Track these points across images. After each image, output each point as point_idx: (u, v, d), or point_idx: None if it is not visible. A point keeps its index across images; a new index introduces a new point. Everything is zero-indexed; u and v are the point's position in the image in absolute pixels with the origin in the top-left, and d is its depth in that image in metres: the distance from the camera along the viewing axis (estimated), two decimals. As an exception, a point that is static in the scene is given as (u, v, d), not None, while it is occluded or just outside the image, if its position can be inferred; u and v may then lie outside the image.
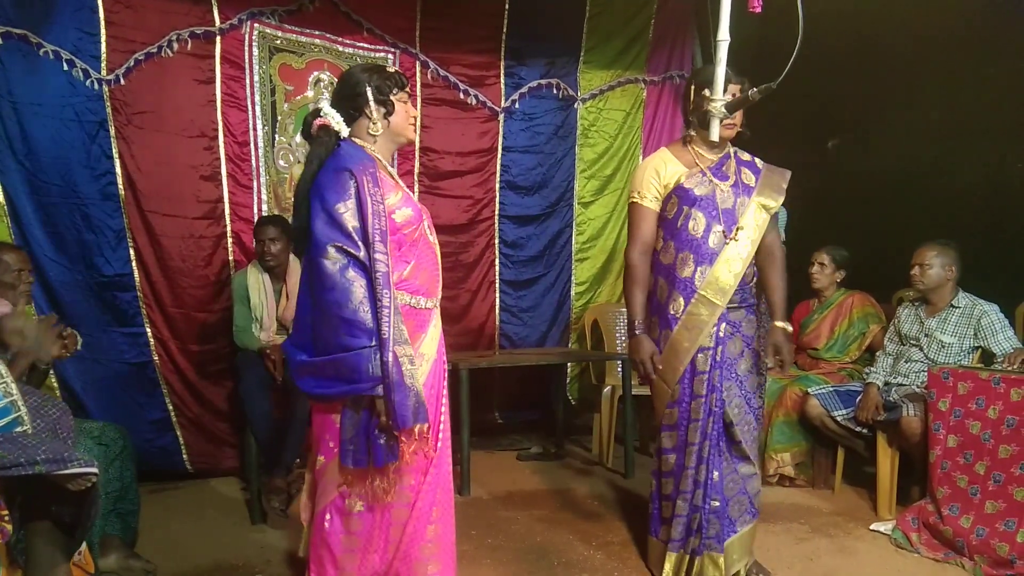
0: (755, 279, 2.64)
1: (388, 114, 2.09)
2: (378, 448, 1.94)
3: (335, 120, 2.05)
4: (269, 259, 3.48)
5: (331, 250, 1.89)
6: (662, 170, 2.56)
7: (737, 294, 2.51)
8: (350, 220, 1.91)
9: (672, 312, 2.51)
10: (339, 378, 1.92)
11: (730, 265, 2.48)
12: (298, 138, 3.90)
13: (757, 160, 2.66)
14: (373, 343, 1.88)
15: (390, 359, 1.88)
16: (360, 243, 1.90)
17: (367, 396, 1.92)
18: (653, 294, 2.62)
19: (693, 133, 2.58)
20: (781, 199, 2.58)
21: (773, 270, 2.64)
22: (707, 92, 2.43)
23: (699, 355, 2.49)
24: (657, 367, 2.51)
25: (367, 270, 1.90)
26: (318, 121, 2.06)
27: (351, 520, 2.04)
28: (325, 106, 2.07)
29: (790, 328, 2.65)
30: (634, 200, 2.61)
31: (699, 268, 2.48)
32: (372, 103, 2.06)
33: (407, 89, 2.14)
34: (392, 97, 2.08)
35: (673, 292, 2.52)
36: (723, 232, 2.49)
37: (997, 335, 3.23)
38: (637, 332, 2.54)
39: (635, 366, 2.57)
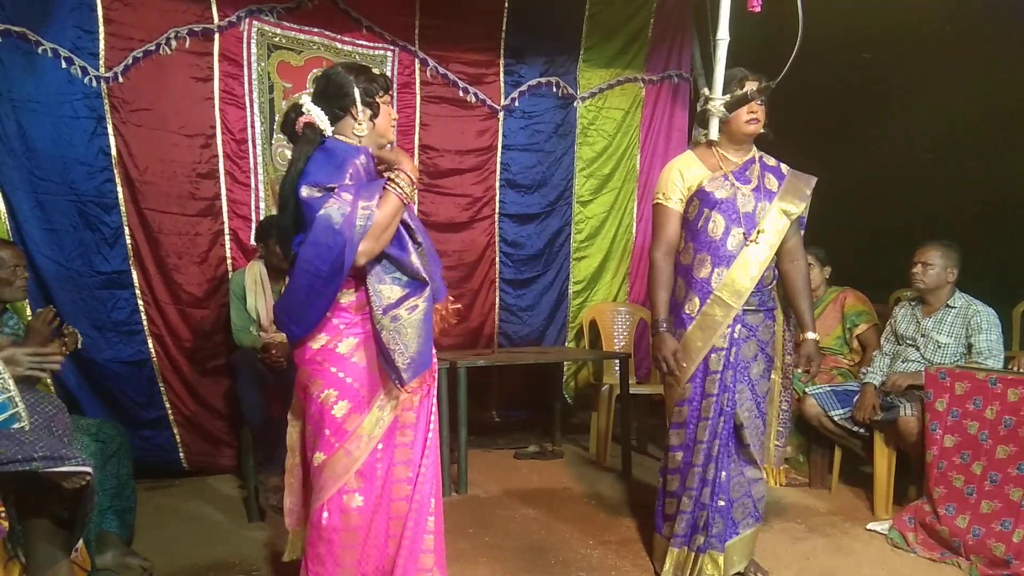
0: (775, 282, 2.64)
1: (374, 116, 2.08)
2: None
3: (319, 118, 2.04)
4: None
5: (324, 199, 1.90)
6: (686, 172, 2.57)
7: (755, 296, 2.51)
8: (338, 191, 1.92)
9: (687, 312, 2.53)
10: (308, 275, 1.91)
11: (747, 268, 2.48)
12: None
13: (783, 165, 2.65)
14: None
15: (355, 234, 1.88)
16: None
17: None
18: (671, 293, 2.63)
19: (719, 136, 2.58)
20: (804, 205, 2.58)
21: (797, 275, 2.65)
22: (706, 91, 2.43)
23: (712, 355, 2.50)
24: (681, 364, 2.51)
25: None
26: (303, 119, 2.05)
27: (350, 515, 2.02)
28: (307, 103, 2.05)
29: (819, 338, 2.65)
30: (659, 202, 2.62)
31: (716, 270, 2.49)
32: (359, 104, 2.05)
33: (391, 92, 2.15)
34: (378, 99, 2.08)
35: (689, 292, 2.53)
36: (743, 235, 2.49)
37: (981, 333, 3.24)
38: (661, 330, 2.55)
39: (657, 363, 2.59)
